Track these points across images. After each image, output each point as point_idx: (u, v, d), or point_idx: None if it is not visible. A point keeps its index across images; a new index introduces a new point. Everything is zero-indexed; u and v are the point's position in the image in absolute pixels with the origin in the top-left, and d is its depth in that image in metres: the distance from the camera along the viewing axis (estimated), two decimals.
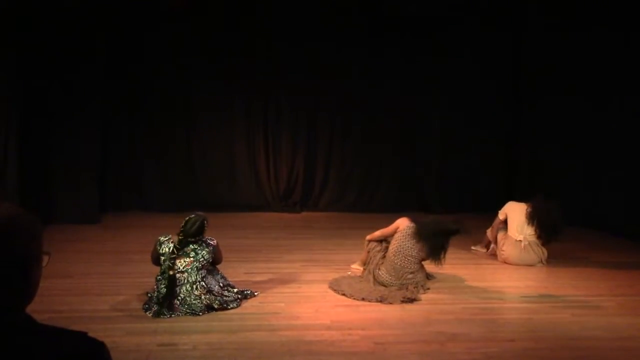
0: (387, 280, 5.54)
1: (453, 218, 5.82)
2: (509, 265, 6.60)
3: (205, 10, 9.14)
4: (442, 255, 5.59)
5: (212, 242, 4.99)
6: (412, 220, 5.72)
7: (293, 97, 9.79)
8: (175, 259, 4.78)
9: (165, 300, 4.67)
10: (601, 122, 8.61)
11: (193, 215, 4.98)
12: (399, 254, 5.59)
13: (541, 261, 6.63)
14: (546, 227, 6.55)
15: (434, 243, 5.53)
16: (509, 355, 4.10)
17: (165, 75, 9.29)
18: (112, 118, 9.13)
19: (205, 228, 4.97)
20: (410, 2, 9.22)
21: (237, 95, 9.67)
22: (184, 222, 4.94)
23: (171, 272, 4.73)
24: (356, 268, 6.04)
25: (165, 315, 4.66)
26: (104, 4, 8.20)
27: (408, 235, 5.61)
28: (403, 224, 5.69)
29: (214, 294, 4.84)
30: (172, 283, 4.71)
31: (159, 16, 8.96)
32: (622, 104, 8.34)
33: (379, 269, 5.64)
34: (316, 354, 4.02)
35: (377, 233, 5.92)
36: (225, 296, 4.93)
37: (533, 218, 6.59)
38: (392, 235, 5.75)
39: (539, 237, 6.59)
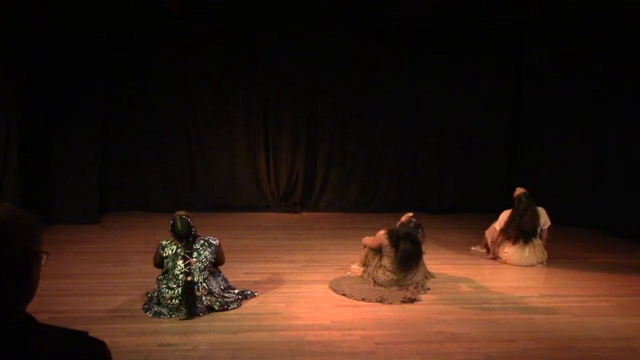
0: (386, 282, 5.54)
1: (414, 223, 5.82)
2: (509, 265, 6.60)
3: (205, 9, 9.14)
4: (410, 261, 5.59)
5: (214, 242, 5.00)
6: (387, 232, 5.75)
7: (293, 98, 9.79)
8: (189, 264, 4.78)
9: (189, 308, 4.67)
10: (601, 123, 8.61)
11: (172, 220, 4.98)
12: (393, 263, 5.62)
13: (542, 262, 6.63)
14: (523, 230, 6.59)
15: (402, 250, 5.56)
16: (509, 356, 4.10)
17: (165, 76, 9.29)
18: (112, 118, 9.13)
19: (190, 221, 4.97)
20: (410, 2, 9.21)
21: (238, 96, 9.66)
22: (170, 228, 4.94)
23: (189, 278, 4.73)
24: (356, 268, 6.04)
25: (165, 315, 4.67)
26: (103, 3, 8.20)
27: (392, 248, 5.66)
28: (385, 241, 5.70)
29: (214, 296, 4.84)
30: (190, 290, 4.70)
31: (158, 15, 8.94)
32: (622, 104, 8.34)
33: (377, 271, 5.65)
34: (316, 354, 4.03)
35: (368, 241, 5.92)
36: (226, 297, 4.93)
37: (514, 220, 6.62)
38: (379, 248, 5.75)
39: (510, 237, 6.60)
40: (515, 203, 6.76)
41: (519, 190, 6.84)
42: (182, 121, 9.57)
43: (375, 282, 5.59)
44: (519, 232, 6.59)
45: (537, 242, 6.67)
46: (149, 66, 9.26)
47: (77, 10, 7.91)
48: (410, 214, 5.99)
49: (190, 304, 4.66)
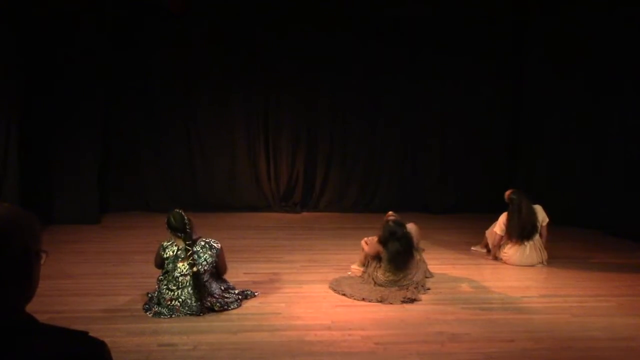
0: (386, 283, 5.53)
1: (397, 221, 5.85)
2: (509, 266, 6.60)
3: (205, 9, 9.14)
4: (402, 258, 5.58)
5: (216, 245, 4.96)
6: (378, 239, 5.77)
7: (293, 98, 9.79)
8: (192, 254, 4.79)
9: (199, 300, 4.70)
10: (601, 123, 8.61)
11: (166, 219, 5.00)
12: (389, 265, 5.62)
13: (542, 262, 6.64)
14: (524, 225, 6.61)
15: (390, 251, 5.57)
16: (508, 356, 4.10)
17: (165, 76, 9.29)
18: (112, 118, 9.13)
19: (184, 215, 4.95)
20: (410, 2, 9.22)
21: (238, 96, 9.67)
22: (167, 226, 4.96)
23: (194, 269, 4.75)
24: (356, 268, 6.05)
25: (165, 315, 4.67)
26: (103, 3, 8.20)
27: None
28: (380, 247, 5.70)
29: (214, 297, 4.84)
30: (198, 280, 4.74)
31: (158, 15, 8.94)
32: (622, 104, 8.34)
33: (377, 272, 5.65)
34: (316, 354, 4.03)
35: (367, 249, 5.87)
36: (226, 298, 4.93)
37: (512, 219, 6.65)
38: (377, 255, 5.74)
39: (515, 237, 6.62)
40: (509, 204, 6.79)
41: (508, 192, 6.89)
42: (182, 121, 9.57)
43: (375, 282, 5.59)
44: (522, 230, 6.59)
45: (538, 241, 6.66)
46: (149, 66, 9.26)
47: (77, 10, 7.90)
48: (390, 213, 5.99)
49: (200, 294, 4.70)
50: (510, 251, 6.65)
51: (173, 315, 4.67)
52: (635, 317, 4.95)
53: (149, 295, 4.98)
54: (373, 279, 5.61)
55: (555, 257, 6.79)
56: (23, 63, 7.56)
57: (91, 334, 1.36)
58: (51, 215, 7.96)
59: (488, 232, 7.00)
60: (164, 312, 4.69)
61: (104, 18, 8.34)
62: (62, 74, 8.04)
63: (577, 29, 8.65)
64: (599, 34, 8.43)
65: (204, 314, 4.71)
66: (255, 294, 5.24)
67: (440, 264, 6.48)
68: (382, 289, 5.45)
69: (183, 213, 4.98)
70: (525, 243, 6.61)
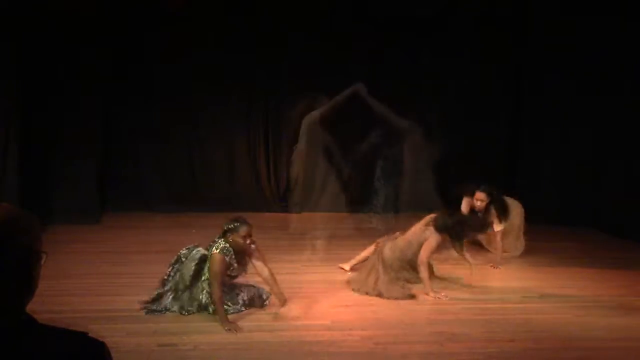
0: (389, 257, 5.50)
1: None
2: (509, 265, 6.60)
3: (205, 9, 9.14)
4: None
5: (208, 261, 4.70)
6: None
7: (293, 98, 9.77)
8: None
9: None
10: (601, 123, 8.61)
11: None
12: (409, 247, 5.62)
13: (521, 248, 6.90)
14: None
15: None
16: (509, 355, 4.11)
17: (165, 75, 9.26)
18: (112, 118, 9.13)
19: (230, 221, 4.85)
20: (410, 2, 9.22)
21: (238, 96, 9.66)
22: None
23: (184, 251, 4.85)
24: (343, 267, 6.08)
25: (157, 312, 4.68)
26: (103, 2, 8.20)
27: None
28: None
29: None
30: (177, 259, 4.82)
31: (159, 15, 8.93)
32: (622, 104, 8.34)
33: (386, 244, 5.64)
34: (316, 354, 4.03)
35: (429, 250, 5.70)
36: (228, 306, 4.84)
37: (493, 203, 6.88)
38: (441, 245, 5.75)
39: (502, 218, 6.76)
40: (490, 200, 6.95)
41: (481, 195, 7.10)
42: (182, 121, 9.56)
43: (380, 258, 5.52)
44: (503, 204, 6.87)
45: (518, 227, 6.95)
46: (149, 66, 9.24)
47: (76, 10, 7.90)
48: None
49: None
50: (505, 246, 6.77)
51: (164, 311, 4.68)
52: (635, 317, 4.95)
53: (162, 291, 4.89)
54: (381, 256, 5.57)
55: (555, 257, 6.81)
56: (23, 63, 7.55)
57: (91, 334, 1.36)
58: (51, 215, 7.94)
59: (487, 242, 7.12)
60: (157, 310, 4.70)
61: (105, 17, 8.34)
62: (62, 74, 8.04)
63: (577, 28, 8.65)
64: (599, 34, 8.43)
65: (190, 314, 4.69)
66: (266, 297, 5.05)
67: (440, 263, 6.47)
68: (386, 279, 5.39)
69: (231, 224, 4.80)
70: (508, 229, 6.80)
